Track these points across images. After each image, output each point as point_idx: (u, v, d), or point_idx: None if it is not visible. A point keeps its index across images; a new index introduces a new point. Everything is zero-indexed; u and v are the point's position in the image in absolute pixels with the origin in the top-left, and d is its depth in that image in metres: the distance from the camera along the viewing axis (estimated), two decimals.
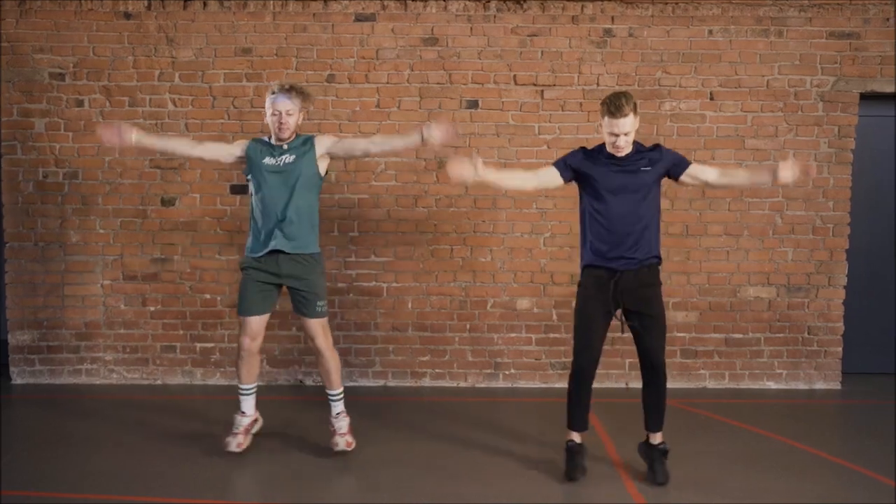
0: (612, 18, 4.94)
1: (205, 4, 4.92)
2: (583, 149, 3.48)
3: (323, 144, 3.61)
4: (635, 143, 3.39)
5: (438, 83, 4.97)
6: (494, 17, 4.95)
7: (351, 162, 4.98)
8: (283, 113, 3.49)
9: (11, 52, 4.91)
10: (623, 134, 3.26)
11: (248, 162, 3.60)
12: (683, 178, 3.43)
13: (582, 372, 3.43)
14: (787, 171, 3.29)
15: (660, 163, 3.37)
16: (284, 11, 4.93)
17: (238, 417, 3.73)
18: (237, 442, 3.65)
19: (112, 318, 5.06)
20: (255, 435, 3.81)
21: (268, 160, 3.54)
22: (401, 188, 5.02)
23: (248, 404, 3.74)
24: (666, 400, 3.50)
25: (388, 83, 4.97)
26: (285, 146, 3.55)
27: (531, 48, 4.96)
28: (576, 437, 3.54)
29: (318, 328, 3.62)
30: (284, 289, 3.65)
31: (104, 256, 5.03)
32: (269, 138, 3.61)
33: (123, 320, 5.06)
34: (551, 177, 3.46)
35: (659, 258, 3.43)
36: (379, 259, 5.06)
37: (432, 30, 4.96)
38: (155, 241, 5.03)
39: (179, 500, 3.21)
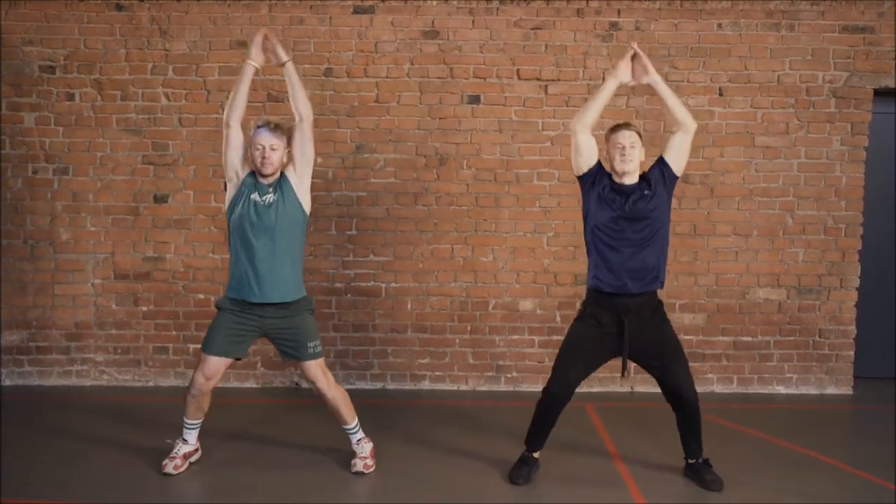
0: (618, 11, 4.81)
1: None
2: (608, 173, 3.37)
3: (290, 171, 3.35)
4: (641, 175, 3.32)
5: (439, 77, 4.84)
6: (497, 9, 4.82)
7: (349, 159, 4.87)
8: (267, 147, 3.23)
9: (0, 44, 4.78)
10: (629, 145, 3.21)
11: (238, 187, 3.33)
12: (673, 163, 3.30)
13: (555, 398, 3.34)
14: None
15: (654, 181, 3.27)
16: (281, 3, 4.80)
17: (179, 444, 3.49)
18: (174, 464, 3.42)
19: (103, 318, 4.93)
20: (192, 463, 3.56)
21: (254, 196, 3.29)
22: (400, 185, 4.89)
23: (192, 436, 3.52)
24: (702, 424, 3.40)
25: (387, 77, 4.84)
26: (269, 186, 3.31)
27: (535, 42, 4.83)
28: (533, 453, 3.48)
29: (317, 370, 3.38)
30: None
31: (95, 255, 4.90)
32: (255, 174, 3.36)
33: (115, 320, 4.94)
34: (592, 149, 3.33)
35: (661, 281, 3.32)
36: (377, 258, 4.93)
37: (433, 22, 4.82)
38: (147, 239, 4.90)
39: None
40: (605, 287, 3.26)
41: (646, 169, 3.36)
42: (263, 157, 3.24)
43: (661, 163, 3.32)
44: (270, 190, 3.31)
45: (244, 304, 3.31)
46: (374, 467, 3.51)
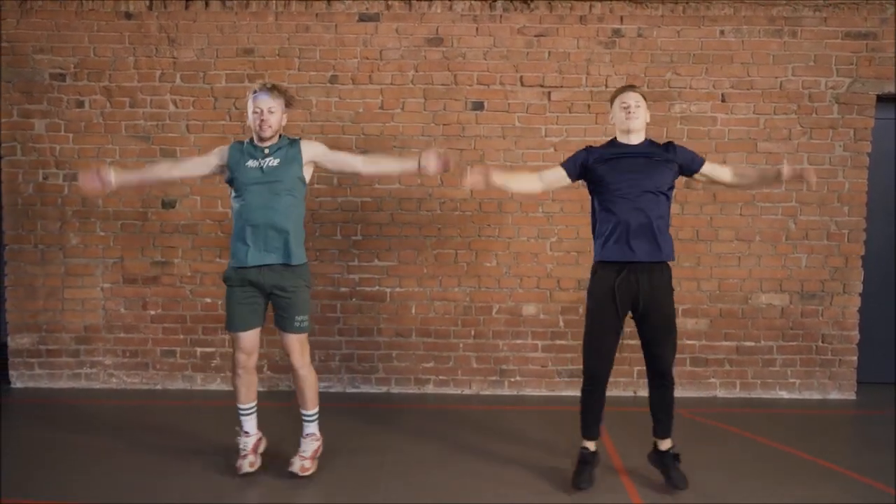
0: (621, 18, 4.84)
1: (207, 4, 4.85)
2: (588, 147, 3.43)
3: (310, 151, 3.43)
4: (648, 139, 3.37)
5: (443, 84, 4.88)
6: (501, 16, 4.86)
7: None
8: (265, 110, 3.30)
9: (11, 52, 4.86)
10: (634, 104, 3.27)
11: (228, 168, 3.39)
12: (698, 175, 3.39)
13: (594, 379, 3.37)
14: (808, 174, 3.33)
15: (673, 158, 3.30)
16: (287, 11, 4.86)
17: (242, 439, 3.54)
18: (249, 462, 3.48)
19: (112, 322, 5.00)
20: (261, 454, 3.62)
21: (250, 163, 3.34)
22: (404, 191, 4.93)
23: (251, 424, 3.56)
24: (674, 406, 3.43)
25: (392, 84, 4.88)
26: (268, 149, 3.36)
27: (538, 48, 4.86)
28: (589, 444, 3.48)
29: (295, 344, 3.40)
30: None
31: (104, 259, 4.97)
32: (251, 140, 3.41)
33: (123, 324, 5.00)
34: (558, 177, 3.43)
35: (671, 255, 3.30)
36: (382, 263, 4.97)
37: (437, 30, 4.87)
38: (155, 244, 4.97)
39: None
40: (611, 257, 3.25)
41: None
42: (262, 121, 3.31)
43: (692, 161, 3.35)
44: (270, 154, 3.35)
45: (244, 269, 3.33)
46: (311, 471, 3.47)
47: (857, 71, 4.83)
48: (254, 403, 3.55)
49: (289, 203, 3.34)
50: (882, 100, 4.89)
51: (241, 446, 3.54)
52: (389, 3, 4.85)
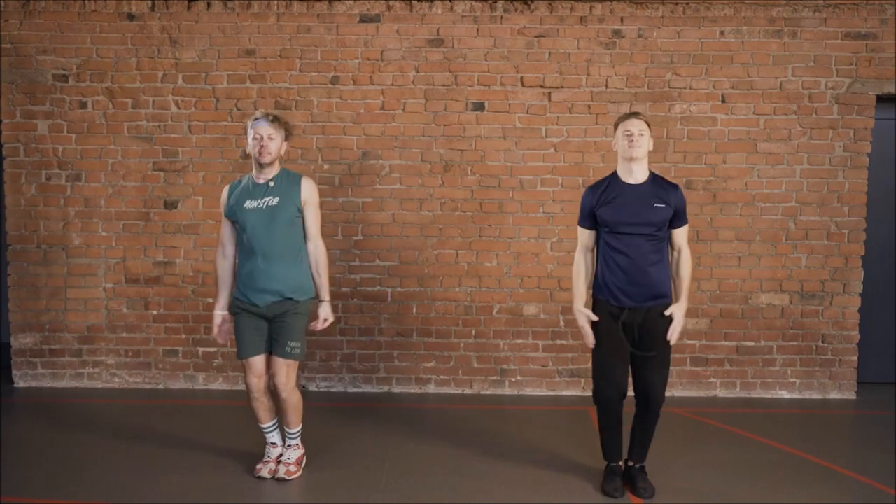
0: (622, 19, 4.85)
1: (208, 5, 4.88)
2: (588, 189, 3.38)
3: (307, 194, 3.41)
4: (654, 174, 3.33)
5: (444, 85, 4.90)
6: (501, 17, 4.87)
7: (355, 164, 4.93)
8: (265, 137, 3.31)
9: (14, 53, 4.89)
10: (637, 132, 3.21)
11: (228, 212, 3.41)
12: (672, 230, 3.33)
13: (605, 403, 3.32)
14: (675, 326, 3.27)
15: (672, 205, 3.26)
16: (288, 12, 4.88)
17: (269, 448, 3.60)
18: (269, 469, 3.53)
19: (114, 322, 5.02)
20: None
21: (249, 204, 3.35)
22: (405, 191, 4.95)
23: (276, 438, 3.60)
24: (654, 434, 3.40)
25: (392, 85, 4.90)
26: (269, 184, 3.37)
27: (538, 49, 4.88)
28: (618, 462, 3.46)
29: (282, 368, 3.40)
30: None
31: (107, 259, 4.99)
32: (251, 177, 3.41)
33: (126, 324, 5.03)
34: (587, 235, 3.39)
35: (669, 297, 3.30)
36: (383, 263, 4.99)
37: (438, 31, 4.89)
38: (157, 244, 4.99)
39: None
40: (609, 297, 3.26)
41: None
42: (261, 147, 3.32)
43: (679, 217, 3.30)
44: (269, 191, 3.35)
45: (248, 303, 3.38)
46: (297, 475, 3.54)
47: (857, 71, 4.84)
48: (274, 422, 3.58)
49: (290, 236, 3.37)
50: (882, 100, 4.90)
51: (267, 454, 3.60)
52: (390, 4, 4.87)
